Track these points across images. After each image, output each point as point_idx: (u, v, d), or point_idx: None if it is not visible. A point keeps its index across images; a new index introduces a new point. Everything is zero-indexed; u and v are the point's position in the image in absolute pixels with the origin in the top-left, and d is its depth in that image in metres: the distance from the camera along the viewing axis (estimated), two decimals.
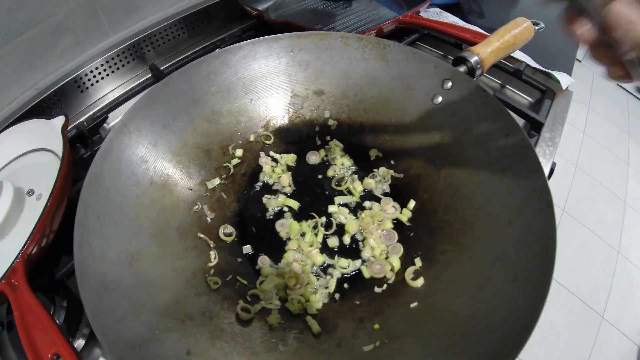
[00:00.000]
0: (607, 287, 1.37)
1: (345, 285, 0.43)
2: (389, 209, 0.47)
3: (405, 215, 0.47)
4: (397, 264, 0.44)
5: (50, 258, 0.46)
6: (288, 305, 0.41)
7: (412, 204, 0.48)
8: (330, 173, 0.52)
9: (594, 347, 1.23)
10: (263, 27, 0.76)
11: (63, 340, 0.34)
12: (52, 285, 0.46)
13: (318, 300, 0.41)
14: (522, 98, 0.69)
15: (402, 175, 0.50)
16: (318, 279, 0.43)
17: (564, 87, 0.68)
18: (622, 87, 2.17)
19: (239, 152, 0.52)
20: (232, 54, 0.51)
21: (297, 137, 0.55)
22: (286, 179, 0.51)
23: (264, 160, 0.52)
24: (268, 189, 0.51)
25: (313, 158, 0.53)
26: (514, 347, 0.30)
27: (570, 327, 1.25)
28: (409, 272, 0.42)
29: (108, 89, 0.73)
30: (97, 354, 0.44)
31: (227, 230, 0.47)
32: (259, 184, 0.52)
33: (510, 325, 0.32)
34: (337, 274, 0.44)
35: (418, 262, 0.43)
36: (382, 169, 0.51)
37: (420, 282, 0.41)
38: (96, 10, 0.68)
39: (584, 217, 1.51)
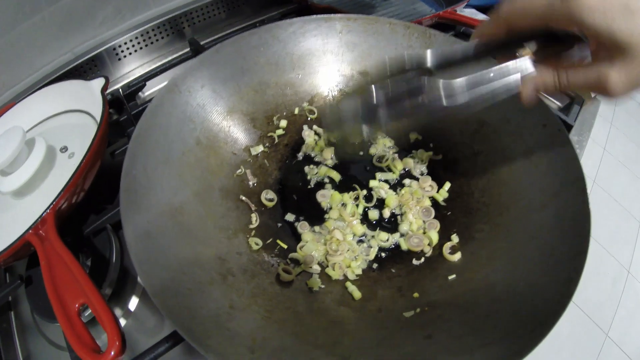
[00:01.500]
0: (614, 305, 1.36)
1: (383, 254, 0.44)
2: (427, 187, 0.48)
3: (441, 196, 0.48)
4: (435, 237, 0.44)
5: (78, 216, 0.47)
6: (328, 271, 0.42)
7: (447, 185, 0.49)
8: (372, 151, 0.52)
9: None
10: (304, 11, 0.77)
11: (93, 289, 0.34)
12: (78, 243, 0.46)
13: (358, 267, 0.42)
14: (552, 103, 0.70)
15: (440, 156, 0.51)
16: (359, 245, 0.44)
17: (592, 95, 0.69)
18: None
19: (284, 123, 0.53)
20: (283, 29, 0.52)
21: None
22: (328, 153, 0.51)
23: (307, 133, 0.53)
24: (310, 160, 0.52)
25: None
26: (551, 317, 0.30)
27: (574, 341, 1.24)
28: (447, 247, 0.43)
29: (144, 60, 0.74)
30: (117, 314, 0.44)
31: (269, 196, 0.47)
32: (301, 154, 0.52)
33: (545, 298, 0.33)
34: (375, 245, 0.44)
35: (455, 239, 0.44)
36: (421, 151, 0.52)
37: (457, 256, 0.42)
38: None
39: (597, 233, 1.47)
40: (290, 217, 0.47)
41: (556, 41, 0.32)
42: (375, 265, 0.43)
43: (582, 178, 0.38)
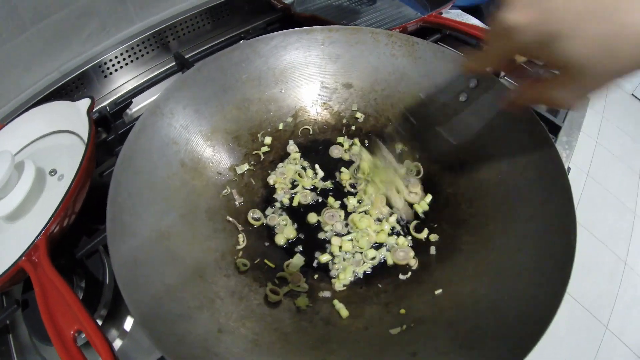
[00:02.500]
0: (612, 297, 1.37)
1: (369, 270, 0.44)
2: (412, 195, 0.48)
3: (421, 207, 0.48)
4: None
5: (71, 239, 0.47)
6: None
7: (428, 197, 0.49)
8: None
9: (597, 358, 1.24)
10: (288, 20, 0.77)
11: (86, 316, 0.34)
12: (71, 266, 0.46)
13: (345, 278, 0.43)
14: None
15: (425, 167, 0.51)
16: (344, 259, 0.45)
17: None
18: (636, 97, 2.18)
19: (268, 140, 0.52)
20: (264, 43, 0.52)
21: (324, 127, 0.56)
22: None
23: (292, 148, 0.53)
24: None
25: (336, 152, 0.54)
26: (536, 333, 0.30)
27: (574, 336, 1.26)
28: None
29: (131, 76, 0.74)
30: (114, 335, 0.45)
31: (255, 215, 0.47)
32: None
33: (532, 311, 0.33)
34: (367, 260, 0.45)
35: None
36: (407, 162, 0.52)
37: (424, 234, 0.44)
38: None
39: (593, 227, 1.51)
40: (280, 239, 0.47)
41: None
42: (361, 280, 0.43)
43: (569, 188, 0.38)
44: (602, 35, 0.26)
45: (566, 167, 0.61)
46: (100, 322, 0.44)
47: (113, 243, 0.36)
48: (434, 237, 0.45)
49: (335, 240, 0.46)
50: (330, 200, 0.49)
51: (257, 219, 0.47)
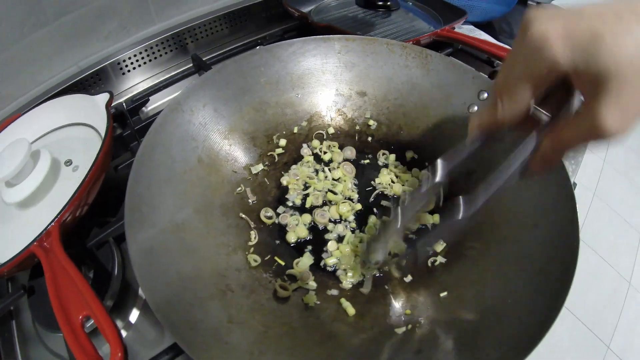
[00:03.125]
0: (615, 317, 1.36)
1: (377, 273, 0.45)
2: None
3: (432, 219, 0.49)
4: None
5: (82, 229, 0.48)
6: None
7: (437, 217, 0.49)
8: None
9: None
10: (304, 29, 0.79)
11: (96, 301, 0.35)
12: (81, 256, 0.47)
13: (354, 277, 0.44)
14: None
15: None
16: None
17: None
18: None
19: (283, 142, 0.54)
20: (284, 49, 0.54)
21: (338, 133, 0.58)
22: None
23: (306, 152, 0.54)
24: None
25: (348, 153, 0.56)
26: (537, 334, 0.31)
27: (575, 354, 1.24)
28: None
29: (147, 75, 0.76)
30: (118, 326, 0.45)
31: (268, 214, 0.49)
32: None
33: (532, 316, 0.34)
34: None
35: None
36: (415, 170, 0.53)
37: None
38: None
39: (597, 245, 1.51)
40: (291, 237, 0.48)
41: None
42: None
43: (573, 197, 0.40)
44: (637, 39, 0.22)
45: (572, 182, 0.63)
46: None
47: (131, 231, 0.37)
48: (440, 247, 0.46)
49: (332, 246, 0.46)
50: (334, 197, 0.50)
51: (270, 217, 0.48)
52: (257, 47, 0.53)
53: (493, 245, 0.43)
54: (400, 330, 0.38)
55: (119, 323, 0.46)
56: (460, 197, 0.34)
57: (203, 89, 0.50)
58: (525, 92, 0.27)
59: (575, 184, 0.64)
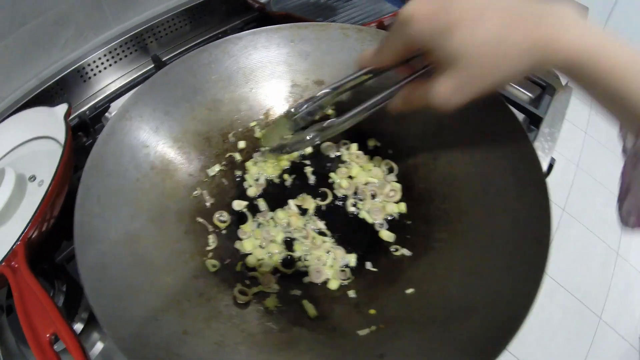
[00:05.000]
0: (605, 288, 1.37)
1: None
2: (390, 192, 0.48)
3: (398, 209, 0.48)
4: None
5: (51, 243, 0.47)
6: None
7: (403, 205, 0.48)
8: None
9: (591, 348, 1.23)
10: (264, 19, 0.77)
11: (61, 320, 0.35)
12: (52, 270, 0.47)
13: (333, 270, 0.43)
14: (523, 94, 0.69)
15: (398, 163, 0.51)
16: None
17: (564, 83, 0.68)
18: None
19: (242, 144, 0.52)
20: (233, 43, 0.52)
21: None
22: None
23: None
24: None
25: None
26: (507, 334, 0.30)
27: (568, 327, 1.25)
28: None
29: (110, 79, 0.74)
30: (95, 338, 0.45)
31: (222, 217, 0.47)
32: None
33: (503, 312, 0.33)
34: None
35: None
36: (377, 158, 0.51)
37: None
38: (99, 1, 0.69)
39: (583, 217, 1.51)
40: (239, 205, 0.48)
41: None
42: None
43: (543, 180, 0.38)
44: (485, 34, 0.28)
45: (549, 160, 0.61)
46: (82, 326, 0.45)
47: (81, 248, 0.36)
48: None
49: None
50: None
51: (224, 221, 0.47)
52: (205, 45, 0.51)
53: (460, 235, 0.42)
54: (363, 332, 0.37)
55: (96, 335, 0.46)
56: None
57: (152, 92, 0.48)
58: (392, 51, 0.36)
59: (554, 160, 0.62)
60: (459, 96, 0.32)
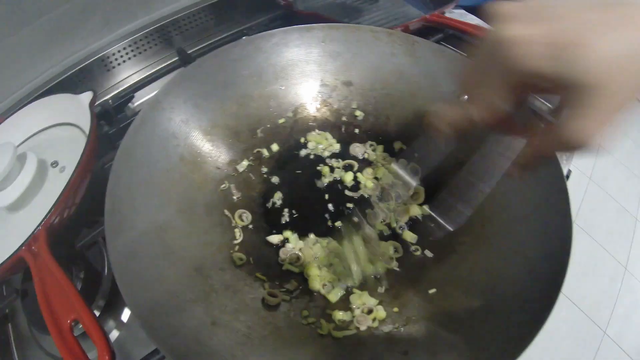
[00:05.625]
0: (611, 302, 1.36)
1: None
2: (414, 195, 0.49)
3: (421, 211, 0.48)
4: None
5: (71, 230, 0.47)
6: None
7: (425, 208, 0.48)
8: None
9: None
10: (291, 17, 0.77)
11: (84, 306, 0.35)
12: (71, 257, 0.47)
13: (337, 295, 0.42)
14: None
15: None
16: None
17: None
18: None
19: (275, 147, 0.53)
20: (266, 40, 0.52)
21: (324, 125, 0.56)
22: None
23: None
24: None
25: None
26: (527, 335, 0.30)
27: (572, 339, 1.25)
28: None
29: (133, 70, 0.74)
30: (111, 326, 0.45)
31: (244, 216, 0.47)
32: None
33: (524, 314, 0.33)
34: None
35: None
36: (402, 160, 0.52)
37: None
38: None
39: (593, 231, 1.50)
40: (274, 238, 0.46)
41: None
42: None
43: (565, 190, 0.38)
44: (621, 45, 0.21)
45: (566, 171, 0.61)
46: (97, 313, 0.45)
47: (111, 235, 0.36)
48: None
49: (313, 271, 0.43)
50: None
51: (245, 221, 0.47)
52: (238, 40, 0.51)
53: (483, 240, 0.42)
54: (388, 329, 0.37)
55: (111, 323, 0.46)
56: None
57: (183, 84, 0.48)
58: (497, 94, 0.25)
59: (570, 171, 0.62)
60: (605, 127, 0.23)
